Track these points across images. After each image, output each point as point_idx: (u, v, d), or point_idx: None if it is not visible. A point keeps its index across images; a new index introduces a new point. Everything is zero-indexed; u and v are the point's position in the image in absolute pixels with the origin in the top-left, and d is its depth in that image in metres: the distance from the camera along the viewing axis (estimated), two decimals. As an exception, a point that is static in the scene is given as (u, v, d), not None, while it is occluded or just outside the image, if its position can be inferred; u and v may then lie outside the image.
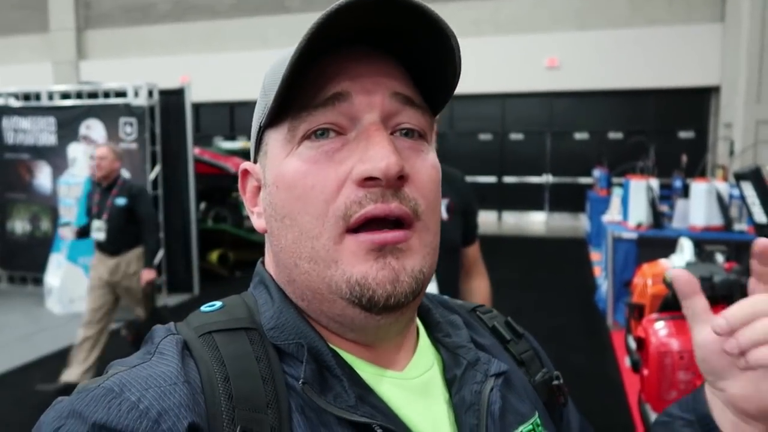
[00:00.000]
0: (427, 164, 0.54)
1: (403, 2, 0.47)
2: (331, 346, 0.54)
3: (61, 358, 4.64)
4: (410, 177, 0.52)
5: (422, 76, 0.55)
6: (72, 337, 5.11)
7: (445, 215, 1.71)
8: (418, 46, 0.52)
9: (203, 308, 0.57)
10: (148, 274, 3.94)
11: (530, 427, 0.58)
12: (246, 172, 0.60)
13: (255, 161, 0.59)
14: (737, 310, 0.52)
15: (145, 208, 4.02)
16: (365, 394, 0.52)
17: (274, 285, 0.58)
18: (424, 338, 0.62)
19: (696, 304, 0.57)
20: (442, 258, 1.79)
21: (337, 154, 0.51)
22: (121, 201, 3.94)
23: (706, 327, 0.55)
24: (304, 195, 0.51)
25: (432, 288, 1.63)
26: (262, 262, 0.62)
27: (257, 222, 0.59)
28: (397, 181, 0.50)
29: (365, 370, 0.54)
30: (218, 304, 0.57)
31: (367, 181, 0.50)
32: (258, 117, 0.57)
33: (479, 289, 1.96)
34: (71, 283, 5.83)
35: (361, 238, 0.50)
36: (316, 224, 0.51)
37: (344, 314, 0.53)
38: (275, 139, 0.55)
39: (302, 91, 0.51)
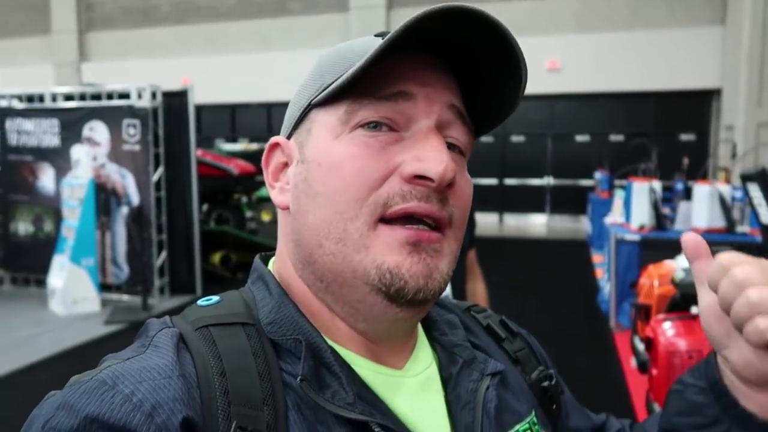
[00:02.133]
0: (465, 178, 0.56)
1: (491, 22, 0.49)
2: (330, 343, 0.54)
3: (64, 360, 4.66)
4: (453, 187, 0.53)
5: (475, 98, 0.56)
6: (75, 339, 5.12)
7: None
8: (483, 67, 0.53)
9: (200, 302, 0.56)
10: None
11: (526, 426, 0.59)
12: (275, 146, 0.60)
13: (288, 137, 0.59)
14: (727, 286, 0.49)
15: None
16: (363, 391, 0.52)
17: (274, 280, 0.57)
18: (422, 336, 0.62)
19: (701, 267, 0.54)
20: None
21: (390, 147, 0.52)
22: None
23: (709, 292, 0.53)
24: (349, 176, 0.51)
25: (446, 291, 1.68)
26: (260, 258, 0.62)
27: (279, 197, 0.58)
28: (446, 187, 0.52)
29: (363, 368, 0.54)
30: (215, 298, 0.57)
31: (418, 179, 0.51)
32: (308, 95, 0.56)
33: (479, 291, 2.10)
34: (74, 285, 5.83)
35: (397, 230, 0.51)
36: (354, 206, 0.51)
37: (364, 300, 0.52)
38: (327, 115, 0.54)
39: (366, 81, 0.51)
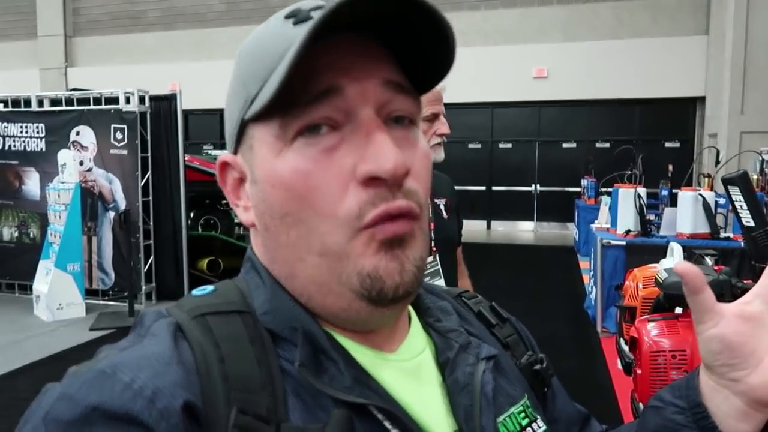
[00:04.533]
0: (420, 152, 0.54)
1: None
2: (326, 329, 0.54)
3: (49, 366, 4.60)
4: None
5: (410, 60, 0.54)
6: (60, 344, 5.07)
7: (445, 214, 1.79)
8: (407, 29, 0.51)
9: (195, 292, 0.56)
10: None
11: (520, 408, 0.60)
12: (225, 164, 0.58)
13: (235, 152, 0.57)
14: None
15: None
16: (361, 375, 0.52)
17: (266, 270, 0.57)
18: (415, 322, 0.62)
19: (705, 297, 0.54)
20: (444, 255, 1.82)
21: (335, 152, 0.50)
22: None
23: (719, 318, 0.54)
24: (307, 195, 0.50)
25: (440, 284, 1.68)
26: (252, 248, 0.61)
27: (244, 216, 0.57)
28: (402, 178, 0.50)
29: (359, 352, 0.54)
30: (210, 288, 0.57)
31: (372, 180, 0.49)
32: (238, 109, 0.54)
33: (465, 286, 2.12)
34: (60, 290, 5.77)
35: (375, 231, 0.50)
36: (326, 222, 0.50)
37: (350, 308, 0.52)
38: (263, 133, 0.52)
39: (290, 85, 0.48)
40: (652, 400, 0.61)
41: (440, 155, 1.72)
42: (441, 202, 1.81)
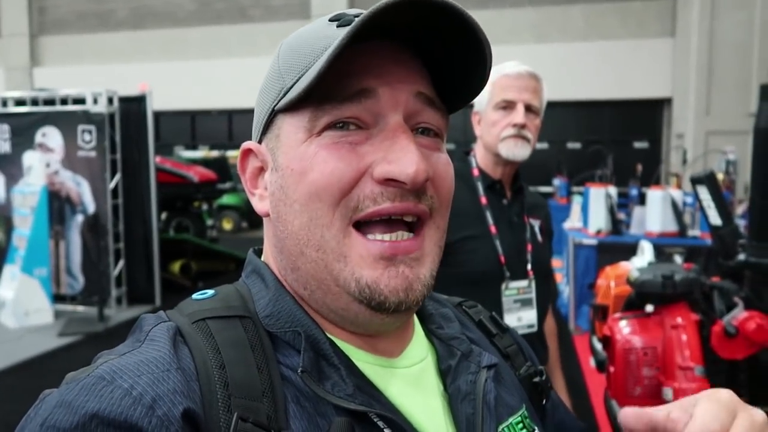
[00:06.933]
0: (442, 161, 0.55)
1: (445, 5, 0.48)
2: (328, 335, 0.54)
3: (16, 374, 4.48)
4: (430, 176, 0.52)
5: (443, 77, 0.55)
6: (27, 352, 4.94)
7: (540, 237, 1.64)
8: (446, 48, 0.53)
9: (195, 296, 0.56)
10: None
11: (519, 419, 0.60)
12: (248, 152, 0.59)
13: (259, 141, 0.58)
14: None
15: None
16: (362, 383, 0.52)
17: (270, 273, 0.57)
18: (418, 329, 0.62)
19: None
20: (539, 284, 1.55)
21: (359, 147, 0.51)
22: None
23: None
24: (320, 180, 0.51)
25: (531, 315, 1.53)
26: (254, 252, 0.61)
27: (259, 205, 0.58)
28: (422, 185, 0.51)
29: (361, 359, 0.54)
30: (210, 292, 0.56)
31: (390, 181, 0.50)
32: (271, 99, 0.55)
33: (549, 326, 1.83)
34: (26, 296, 5.64)
35: (371, 243, 0.51)
36: (328, 212, 0.51)
37: (348, 308, 0.52)
38: (292, 124, 0.53)
39: (326, 81, 0.50)
40: None
41: (518, 151, 1.51)
42: (536, 224, 1.64)
